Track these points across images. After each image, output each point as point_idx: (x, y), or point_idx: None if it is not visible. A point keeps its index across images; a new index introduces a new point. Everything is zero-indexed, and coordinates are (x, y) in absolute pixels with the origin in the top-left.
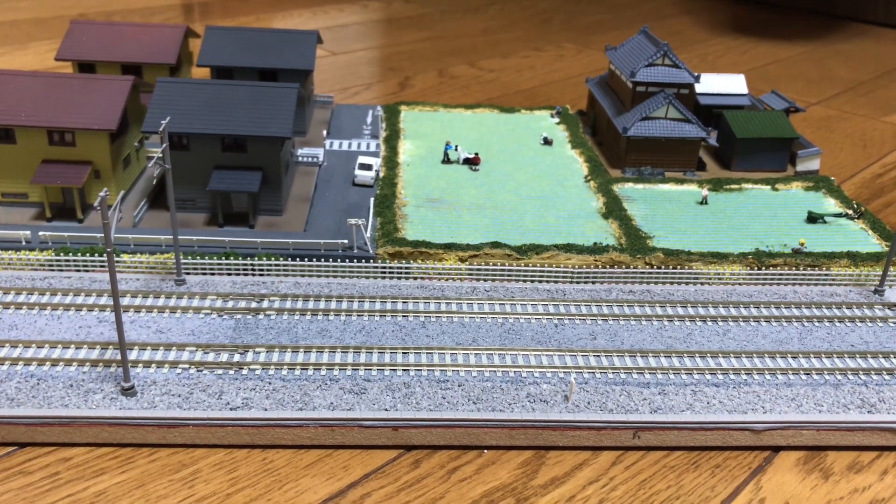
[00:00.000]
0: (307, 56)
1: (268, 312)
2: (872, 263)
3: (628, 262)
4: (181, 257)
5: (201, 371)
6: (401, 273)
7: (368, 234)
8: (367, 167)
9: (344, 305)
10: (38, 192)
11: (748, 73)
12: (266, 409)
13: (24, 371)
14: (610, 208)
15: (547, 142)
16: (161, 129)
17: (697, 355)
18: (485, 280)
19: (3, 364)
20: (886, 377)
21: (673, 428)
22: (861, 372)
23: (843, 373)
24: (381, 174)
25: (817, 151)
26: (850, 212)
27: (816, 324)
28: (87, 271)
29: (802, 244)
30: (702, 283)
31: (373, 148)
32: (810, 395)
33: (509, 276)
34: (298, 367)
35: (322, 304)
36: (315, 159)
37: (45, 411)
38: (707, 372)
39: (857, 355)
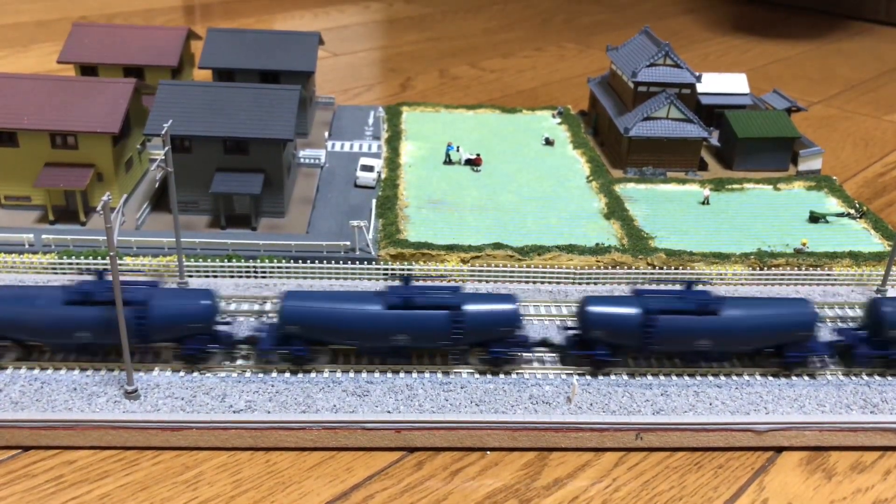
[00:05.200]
0: (308, 58)
1: (270, 314)
2: (875, 263)
3: (630, 262)
4: (184, 260)
5: (204, 374)
6: (403, 274)
7: (370, 236)
8: (369, 168)
9: None
10: (40, 196)
11: (750, 72)
12: (269, 412)
13: (27, 375)
14: (612, 209)
15: (548, 142)
16: (163, 131)
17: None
18: (487, 281)
19: (6, 368)
20: (889, 378)
21: (675, 429)
22: (864, 372)
23: (846, 373)
24: (383, 175)
25: (819, 151)
26: (853, 211)
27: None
28: (89, 274)
29: (804, 244)
30: (704, 284)
31: (374, 149)
32: (813, 395)
33: (511, 277)
34: (301, 369)
35: None
36: (317, 161)
37: (49, 415)
38: (709, 373)
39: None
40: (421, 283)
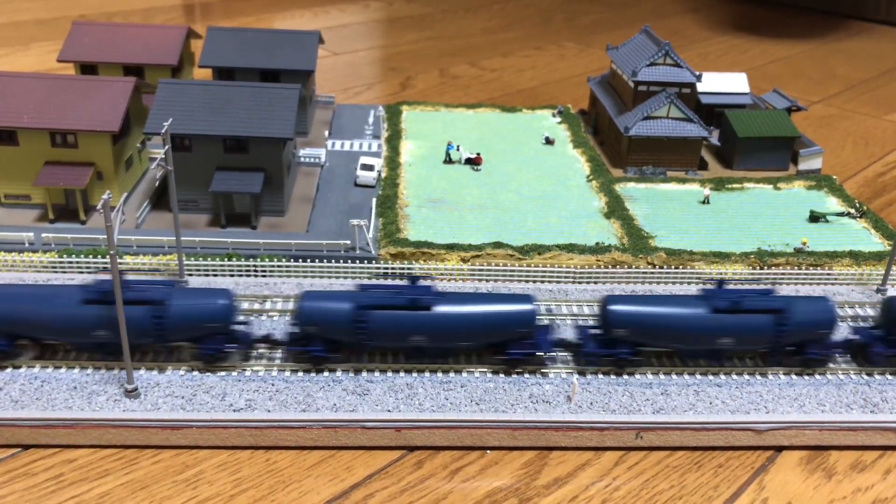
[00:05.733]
0: (308, 56)
1: (270, 314)
2: (875, 262)
3: (630, 262)
4: (184, 258)
5: (204, 373)
6: (403, 273)
7: (370, 235)
8: (369, 168)
9: None
10: (40, 194)
11: (750, 71)
12: (269, 411)
13: (27, 373)
14: (612, 208)
15: (548, 141)
16: (163, 130)
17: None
18: (487, 280)
19: (7, 367)
20: (889, 377)
21: (675, 428)
22: (864, 372)
23: (846, 372)
24: (383, 174)
25: (819, 150)
26: (853, 211)
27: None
28: (90, 273)
29: (804, 243)
30: (704, 283)
31: (374, 148)
32: (813, 394)
33: (511, 276)
34: (301, 368)
35: None
36: (317, 160)
37: (49, 413)
38: (709, 372)
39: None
40: (139, 277)
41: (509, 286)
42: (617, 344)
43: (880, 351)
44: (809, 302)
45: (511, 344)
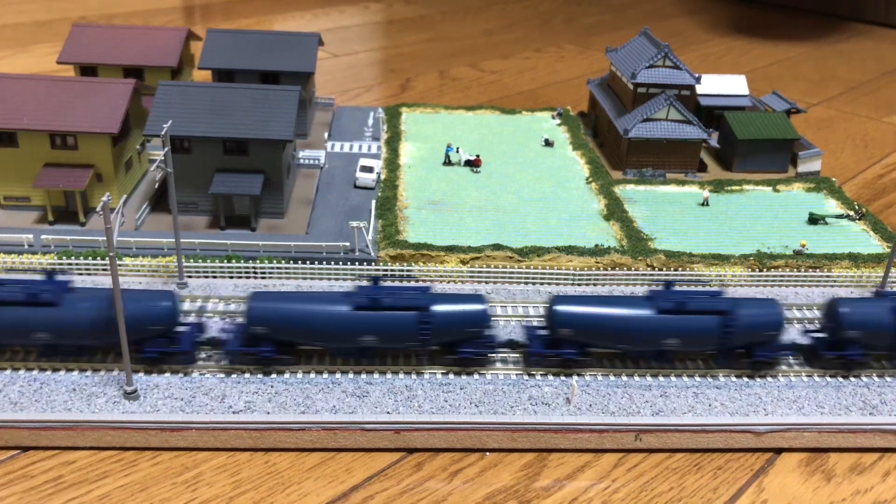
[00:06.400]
0: (308, 58)
1: None
2: (874, 265)
3: (630, 264)
4: (183, 260)
5: (203, 374)
6: (402, 275)
7: (370, 237)
8: (369, 169)
9: None
10: (40, 196)
11: (749, 73)
12: (268, 413)
13: (27, 375)
14: (611, 210)
15: (548, 143)
16: (163, 132)
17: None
18: (486, 282)
19: (6, 368)
20: (888, 379)
21: (675, 430)
22: (863, 374)
23: (845, 374)
24: (383, 176)
25: (818, 152)
26: (852, 213)
27: (818, 325)
28: (89, 275)
29: (804, 246)
30: (703, 286)
31: (374, 150)
32: (812, 396)
33: (511, 278)
34: (300, 370)
35: None
36: (316, 162)
37: (49, 415)
38: (708, 374)
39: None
40: None
41: (509, 288)
42: (259, 342)
43: (537, 351)
44: (459, 300)
45: (147, 342)
